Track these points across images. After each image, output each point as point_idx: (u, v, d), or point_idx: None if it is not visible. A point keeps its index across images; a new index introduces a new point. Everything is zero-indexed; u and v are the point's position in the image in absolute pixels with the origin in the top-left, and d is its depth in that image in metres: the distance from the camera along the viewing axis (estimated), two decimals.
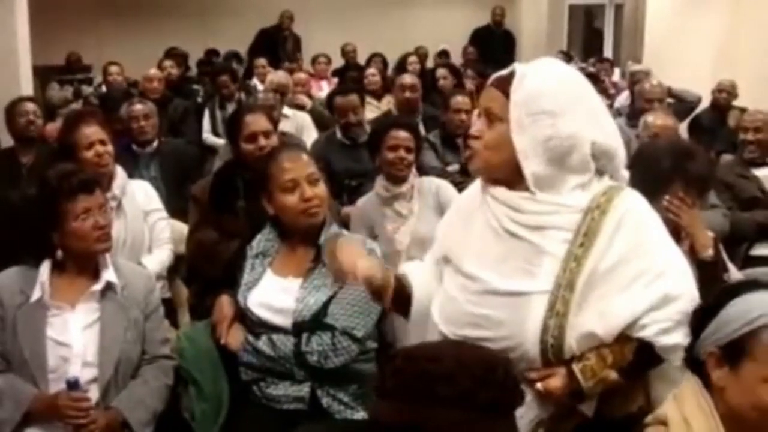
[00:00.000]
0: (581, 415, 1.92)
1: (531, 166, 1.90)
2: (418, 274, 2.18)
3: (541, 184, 1.91)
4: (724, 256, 3.00)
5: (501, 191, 1.96)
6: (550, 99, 1.88)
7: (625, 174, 2.04)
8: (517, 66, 1.95)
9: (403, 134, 3.67)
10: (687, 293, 1.88)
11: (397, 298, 2.11)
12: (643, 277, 1.86)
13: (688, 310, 1.85)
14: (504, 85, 1.93)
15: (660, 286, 1.86)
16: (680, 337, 1.83)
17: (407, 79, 6.18)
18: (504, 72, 1.98)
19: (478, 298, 1.94)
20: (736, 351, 1.69)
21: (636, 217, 1.92)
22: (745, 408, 1.68)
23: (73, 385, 2.42)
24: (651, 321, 1.84)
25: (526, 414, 1.88)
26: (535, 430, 1.92)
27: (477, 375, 1.47)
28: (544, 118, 1.88)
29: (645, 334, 1.85)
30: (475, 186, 2.09)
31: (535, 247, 1.90)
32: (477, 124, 2.00)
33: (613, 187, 1.95)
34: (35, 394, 2.48)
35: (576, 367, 1.86)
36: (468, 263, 1.98)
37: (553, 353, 1.87)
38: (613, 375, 1.87)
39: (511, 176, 1.94)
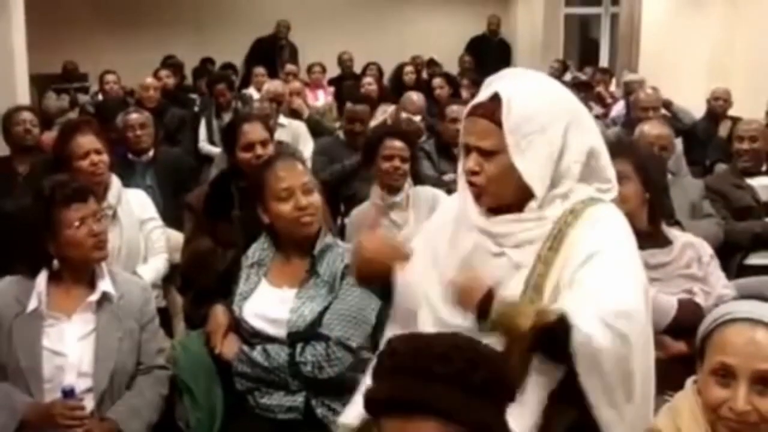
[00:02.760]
0: (571, 415, 1.90)
1: (539, 187, 1.90)
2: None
3: (543, 199, 1.91)
4: (718, 265, 3.02)
5: (490, 223, 1.96)
6: (538, 117, 1.89)
7: (612, 175, 2.03)
8: (500, 90, 1.91)
9: (398, 144, 3.68)
10: (633, 308, 1.82)
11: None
12: (582, 287, 1.82)
13: (618, 318, 1.77)
14: (490, 114, 1.91)
15: (609, 297, 1.80)
16: (592, 330, 1.74)
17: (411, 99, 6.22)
18: (483, 98, 1.95)
19: (450, 309, 1.94)
20: (702, 349, 1.74)
21: (605, 227, 1.90)
22: (703, 407, 1.71)
23: (68, 393, 2.42)
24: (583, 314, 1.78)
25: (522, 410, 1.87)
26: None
27: (471, 357, 1.51)
28: (536, 137, 1.88)
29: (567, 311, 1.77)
30: (454, 200, 2.09)
31: (512, 263, 1.92)
32: (472, 160, 1.95)
33: (593, 198, 1.95)
34: (30, 403, 2.48)
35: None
36: (450, 274, 1.96)
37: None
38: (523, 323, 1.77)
39: (518, 202, 1.94)
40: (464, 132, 1.99)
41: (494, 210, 1.98)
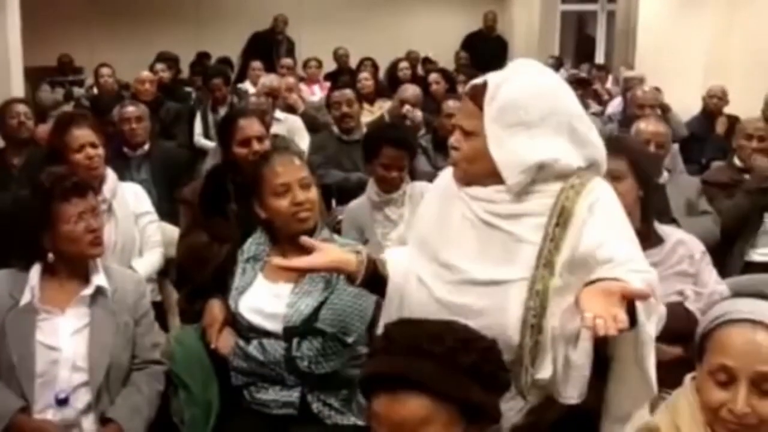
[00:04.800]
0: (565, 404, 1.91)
1: (513, 178, 1.91)
2: (396, 257, 2.19)
3: (520, 188, 1.92)
4: (710, 262, 3.01)
5: (476, 190, 1.98)
6: (526, 110, 1.88)
7: (605, 167, 2.04)
8: (490, 77, 1.94)
9: (396, 153, 3.64)
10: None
11: (372, 280, 2.12)
12: (610, 263, 1.82)
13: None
14: (477, 97, 1.93)
15: (622, 271, 1.81)
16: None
17: (409, 92, 6.18)
18: (479, 81, 1.97)
19: (455, 288, 1.96)
20: (701, 348, 1.74)
21: (607, 206, 1.93)
22: (702, 406, 1.71)
23: (62, 402, 2.39)
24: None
25: (515, 404, 1.91)
26: (524, 419, 1.93)
27: (462, 338, 1.55)
28: (520, 130, 1.88)
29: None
30: (448, 174, 2.10)
31: (511, 236, 1.91)
32: (455, 136, 2.00)
33: (587, 173, 1.96)
34: (18, 413, 2.44)
35: None
36: (445, 253, 2.00)
37: (532, 335, 1.86)
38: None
39: (491, 180, 1.95)
40: (456, 108, 2.04)
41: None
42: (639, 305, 1.72)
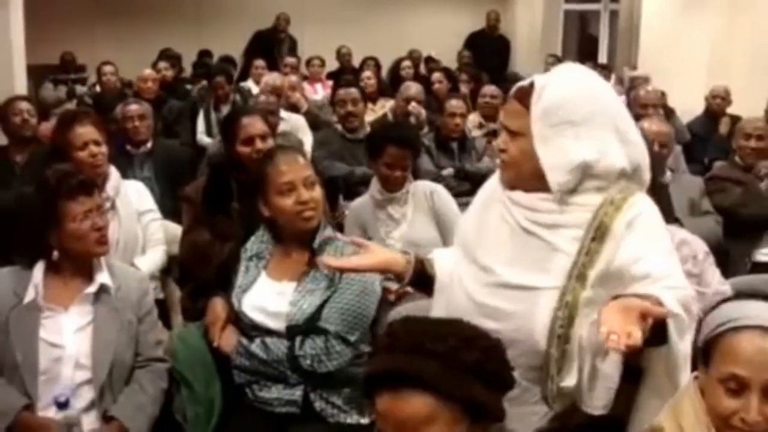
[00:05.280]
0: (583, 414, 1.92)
1: (556, 177, 1.93)
2: (443, 256, 2.23)
3: (564, 190, 1.94)
4: (713, 262, 3.01)
5: (519, 194, 2.00)
6: (571, 109, 1.90)
7: (648, 178, 2.04)
8: (536, 78, 1.97)
9: (400, 153, 3.64)
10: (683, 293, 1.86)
11: (419, 279, 2.16)
12: (646, 279, 1.84)
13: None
14: (524, 98, 1.96)
15: (657, 287, 1.83)
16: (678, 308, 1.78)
17: (412, 90, 6.18)
18: (525, 83, 2.00)
19: (489, 290, 1.99)
20: (707, 353, 1.73)
21: (647, 221, 1.93)
22: (709, 411, 1.70)
23: (62, 405, 2.39)
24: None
25: (539, 409, 1.94)
26: (548, 424, 1.96)
27: (465, 336, 1.55)
28: (566, 128, 1.91)
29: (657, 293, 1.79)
30: (494, 179, 2.13)
31: (548, 245, 1.94)
32: (501, 137, 2.03)
33: (630, 187, 1.97)
34: (22, 411, 2.45)
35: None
36: (482, 255, 2.03)
37: (559, 344, 1.87)
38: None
39: (538, 184, 1.96)
40: (501, 111, 2.06)
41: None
42: (671, 323, 1.74)
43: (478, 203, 2.17)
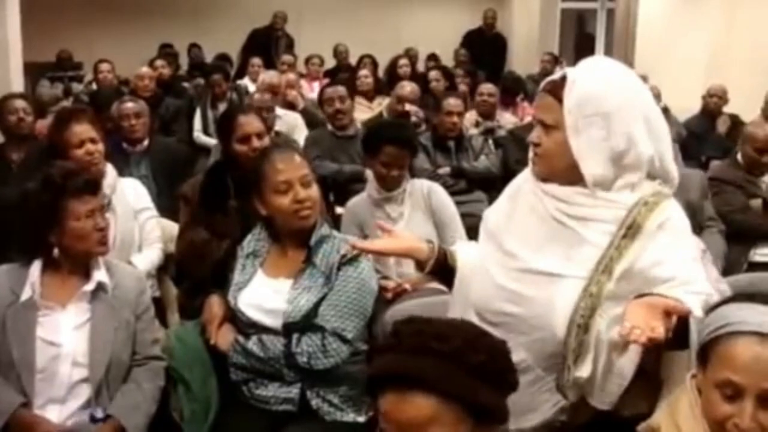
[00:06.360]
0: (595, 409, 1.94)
1: (589, 168, 1.95)
2: (467, 250, 2.25)
3: (598, 183, 1.96)
4: (710, 260, 3.01)
5: (553, 186, 2.02)
6: (602, 101, 1.93)
7: (675, 172, 2.06)
8: (568, 70, 2.00)
9: (397, 152, 3.65)
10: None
11: (441, 270, 2.18)
12: (671, 281, 1.87)
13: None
14: (556, 91, 1.98)
15: (681, 291, 1.84)
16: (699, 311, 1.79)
17: (407, 89, 6.17)
18: (556, 76, 2.03)
19: (513, 275, 2.01)
20: (704, 356, 1.72)
21: (676, 226, 1.96)
22: (704, 414, 1.70)
23: (97, 420, 2.45)
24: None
25: (551, 397, 1.96)
26: (557, 414, 1.97)
27: (469, 338, 1.54)
28: (597, 120, 1.93)
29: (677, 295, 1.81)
30: (524, 174, 2.15)
31: (577, 235, 1.95)
32: (535, 132, 2.04)
33: (662, 193, 2.00)
34: (19, 409, 2.44)
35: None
36: (508, 241, 2.05)
37: (578, 334, 1.89)
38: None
39: (572, 177, 1.98)
40: (534, 106, 2.13)
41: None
42: (693, 327, 1.75)
43: (505, 195, 2.19)
